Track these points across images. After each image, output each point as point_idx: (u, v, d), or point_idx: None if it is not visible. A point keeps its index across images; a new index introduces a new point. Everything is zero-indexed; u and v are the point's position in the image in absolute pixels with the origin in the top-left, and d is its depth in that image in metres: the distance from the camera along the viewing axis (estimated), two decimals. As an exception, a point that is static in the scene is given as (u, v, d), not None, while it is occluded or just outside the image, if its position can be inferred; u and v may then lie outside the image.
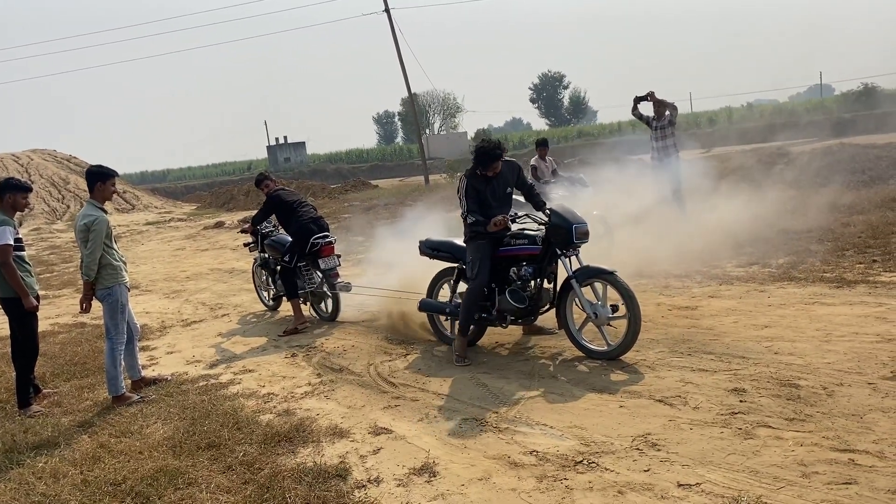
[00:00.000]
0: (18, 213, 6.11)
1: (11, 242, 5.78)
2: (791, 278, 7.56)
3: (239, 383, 6.23)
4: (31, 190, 6.14)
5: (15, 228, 5.91)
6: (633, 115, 11.37)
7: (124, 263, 6.17)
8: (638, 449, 4.00)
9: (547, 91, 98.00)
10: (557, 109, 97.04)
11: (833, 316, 6.04)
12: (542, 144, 11.69)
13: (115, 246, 6.06)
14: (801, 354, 5.17)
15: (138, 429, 5.22)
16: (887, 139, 18.59)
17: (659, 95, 11.05)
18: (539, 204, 6.17)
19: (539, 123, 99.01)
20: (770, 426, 4.06)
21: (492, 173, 5.96)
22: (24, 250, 6.10)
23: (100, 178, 5.97)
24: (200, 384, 6.29)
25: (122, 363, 6.02)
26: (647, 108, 11.29)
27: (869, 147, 17.02)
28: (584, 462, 3.93)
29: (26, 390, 6.06)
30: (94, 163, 6.60)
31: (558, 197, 8.77)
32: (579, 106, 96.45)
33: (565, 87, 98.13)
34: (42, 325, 9.18)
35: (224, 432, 4.90)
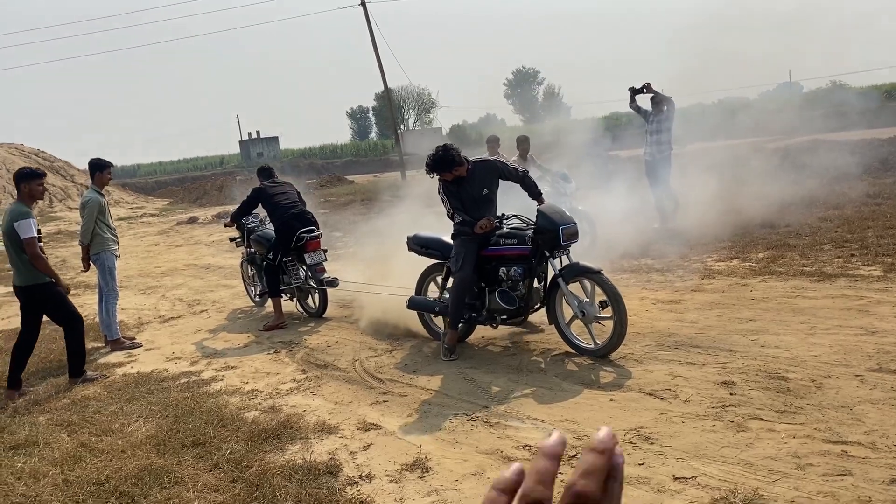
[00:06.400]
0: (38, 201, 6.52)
1: (36, 235, 6.05)
2: (772, 272, 7.62)
3: (221, 380, 6.13)
4: (45, 175, 6.52)
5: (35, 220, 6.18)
6: (631, 107, 11.08)
7: (115, 237, 7.50)
8: (631, 442, 4.00)
9: (521, 87, 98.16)
10: (532, 105, 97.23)
11: (816, 309, 6.09)
12: (522, 142, 10.59)
13: (109, 222, 7.43)
14: (787, 347, 5.21)
15: (119, 427, 5.10)
16: (858, 136, 18.87)
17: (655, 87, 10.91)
18: (535, 194, 6.10)
19: (513, 119, 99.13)
20: (762, 419, 4.08)
21: (459, 175, 5.87)
22: (41, 241, 6.28)
23: (98, 168, 7.39)
24: (182, 381, 6.17)
25: (117, 315, 7.49)
26: (644, 102, 11.15)
27: (842, 143, 17.27)
28: (578, 456, 3.90)
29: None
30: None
31: (543, 194, 8.71)
32: (553, 102, 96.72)
33: (539, 84, 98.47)
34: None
35: (209, 430, 4.81)
